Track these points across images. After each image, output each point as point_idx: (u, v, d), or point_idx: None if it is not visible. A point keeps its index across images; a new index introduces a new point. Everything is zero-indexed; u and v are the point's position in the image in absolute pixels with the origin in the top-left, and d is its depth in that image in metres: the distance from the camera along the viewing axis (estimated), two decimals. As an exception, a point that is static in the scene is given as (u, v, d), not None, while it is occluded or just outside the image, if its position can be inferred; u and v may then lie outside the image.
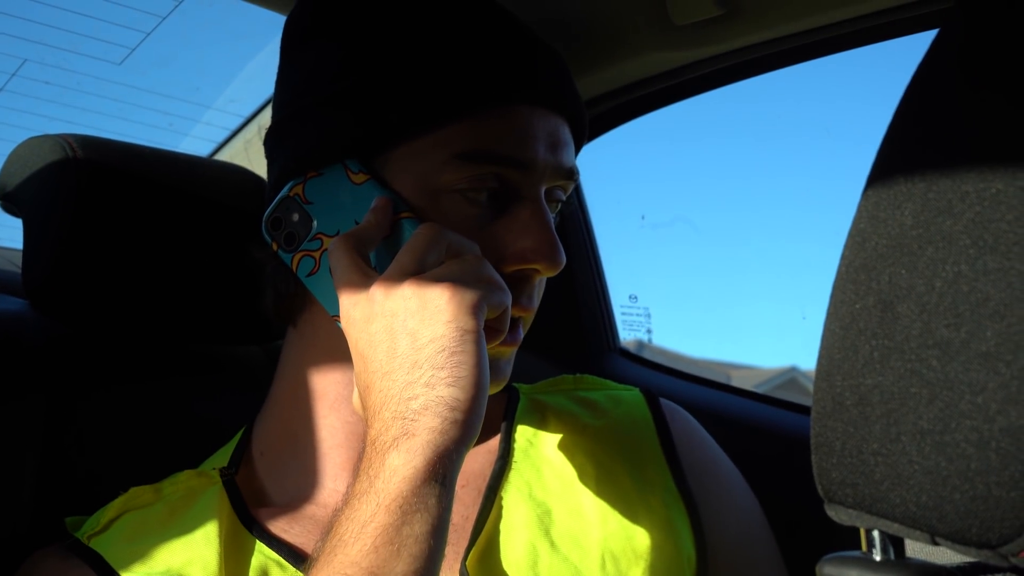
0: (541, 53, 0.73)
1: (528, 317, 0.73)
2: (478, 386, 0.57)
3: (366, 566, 0.52)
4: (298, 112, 0.72)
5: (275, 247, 0.71)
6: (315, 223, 0.70)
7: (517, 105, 0.69)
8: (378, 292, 0.60)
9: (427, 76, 0.68)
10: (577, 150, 0.77)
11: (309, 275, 0.70)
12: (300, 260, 0.70)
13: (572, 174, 0.73)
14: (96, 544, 0.69)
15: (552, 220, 0.70)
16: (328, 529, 0.56)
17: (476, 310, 0.59)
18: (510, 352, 0.72)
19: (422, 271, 0.60)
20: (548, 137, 0.71)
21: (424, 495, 0.54)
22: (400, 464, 0.54)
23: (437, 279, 0.59)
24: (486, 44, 0.70)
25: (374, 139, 0.68)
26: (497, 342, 0.64)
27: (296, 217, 0.70)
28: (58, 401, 0.85)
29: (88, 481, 0.82)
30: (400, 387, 0.57)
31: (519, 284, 0.69)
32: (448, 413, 0.56)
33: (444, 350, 0.57)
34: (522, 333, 0.72)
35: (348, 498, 0.56)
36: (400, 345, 0.58)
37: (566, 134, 0.73)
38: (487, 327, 0.61)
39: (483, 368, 0.58)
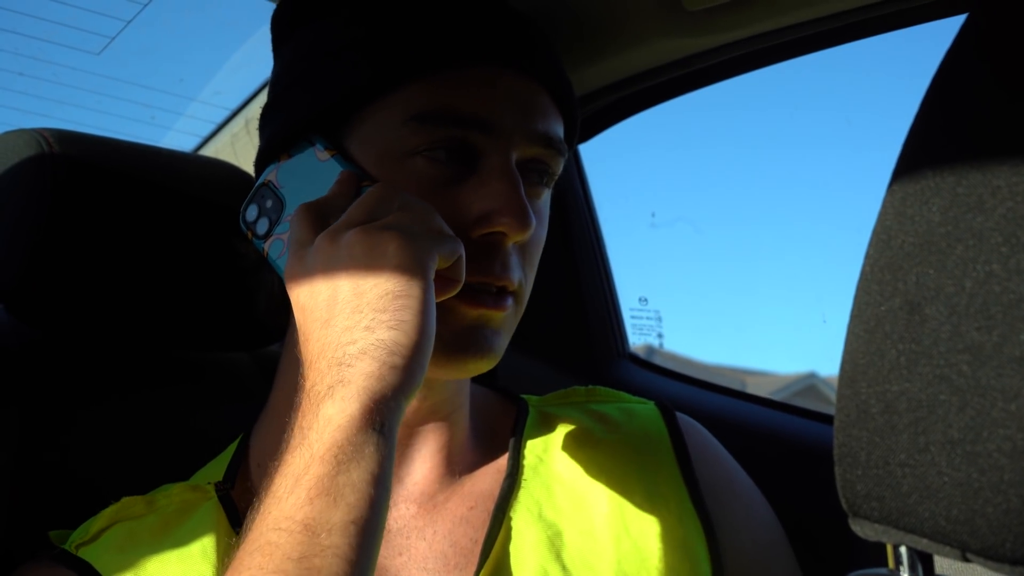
0: (503, 15, 0.74)
1: (520, 293, 0.73)
2: (422, 332, 0.57)
3: (300, 519, 0.51)
4: (273, 100, 0.77)
5: (250, 235, 0.73)
6: (286, 206, 0.71)
7: (476, 66, 0.71)
8: (322, 242, 0.61)
9: (379, 41, 0.71)
10: (571, 125, 0.78)
11: (279, 257, 0.71)
12: (271, 244, 0.72)
13: (551, 142, 0.73)
14: (84, 553, 0.70)
15: (521, 184, 0.70)
16: (262, 488, 0.56)
17: (424, 255, 0.59)
18: (499, 319, 0.71)
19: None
20: (517, 100, 0.71)
21: (360, 443, 0.53)
22: (334, 413, 0.54)
23: (384, 227, 0.60)
24: (440, 6, 0.72)
25: (334, 111, 0.71)
26: (452, 292, 0.64)
27: (270, 203, 0.72)
28: (34, 411, 0.84)
29: (68, 496, 0.82)
30: (339, 333, 0.57)
31: (489, 251, 0.69)
32: (387, 357, 0.56)
33: (388, 294, 0.57)
34: (511, 303, 0.71)
35: (282, 453, 0.56)
36: (342, 292, 0.58)
37: (542, 101, 0.73)
38: (442, 277, 0.62)
39: (429, 314, 0.58)
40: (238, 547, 0.54)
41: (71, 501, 0.79)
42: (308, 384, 0.57)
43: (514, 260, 0.71)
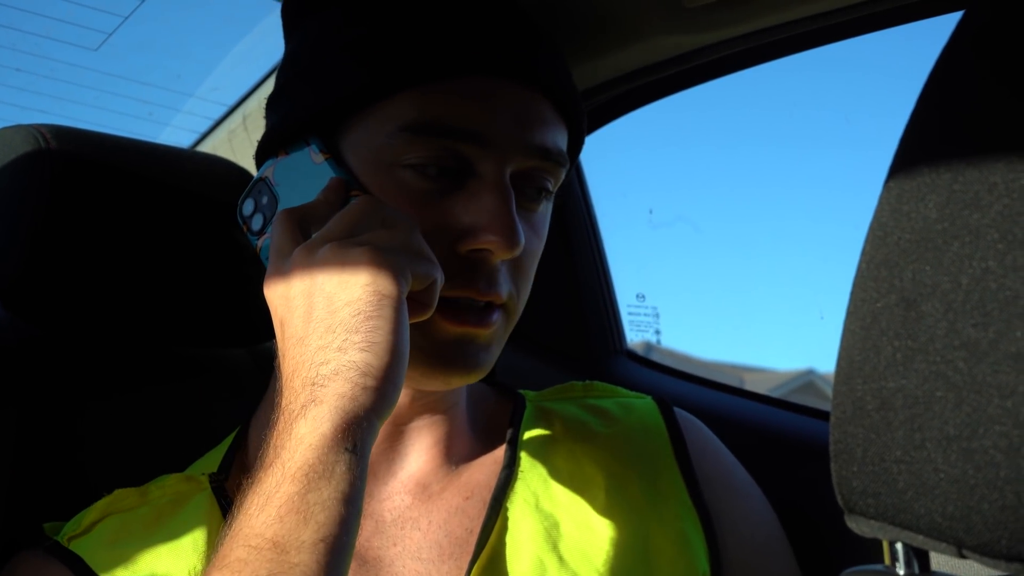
0: (503, 22, 0.72)
1: (511, 306, 0.72)
2: (394, 353, 0.57)
3: (270, 536, 0.51)
4: (278, 89, 0.76)
5: (245, 229, 0.73)
6: (280, 205, 0.71)
7: (472, 76, 0.69)
8: (299, 255, 0.61)
9: (376, 46, 0.69)
10: (575, 135, 0.76)
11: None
12: (264, 242, 0.72)
13: (550, 154, 0.71)
14: (76, 546, 0.70)
15: (512, 199, 0.68)
16: (235, 505, 0.56)
17: (397, 275, 0.58)
18: (485, 337, 0.70)
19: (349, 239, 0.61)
20: (513, 112, 0.69)
21: (331, 463, 0.53)
22: (307, 432, 0.54)
23: (360, 244, 0.59)
24: (438, 12, 0.70)
25: (329, 113, 0.70)
26: (423, 317, 0.63)
27: (265, 200, 0.72)
28: (33, 408, 0.84)
29: (67, 493, 0.82)
30: (312, 352, 0.57)
31: (476, 267, 0.68)
32: (359, 379, 0.56)
33: (360, 314, 0.57)
34: (497, 317, 0.70)
35: (255, 471, 0.56)
36: (316, 309, 0.58)
37: (543, 111, 0.71)
38: (413, 300, 0.61)
39: (401, 335, 0.58)
40: (208, 563, 0.54)
41: (70, 498, 0.79)
42: (283, 403, 0.58)
43: (502, 275, 0.69)
